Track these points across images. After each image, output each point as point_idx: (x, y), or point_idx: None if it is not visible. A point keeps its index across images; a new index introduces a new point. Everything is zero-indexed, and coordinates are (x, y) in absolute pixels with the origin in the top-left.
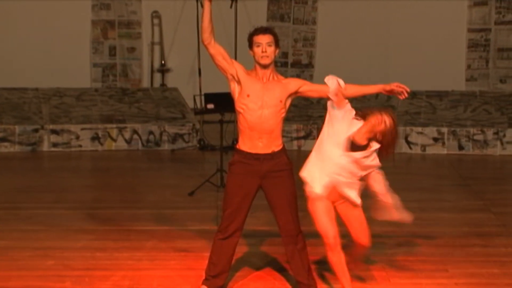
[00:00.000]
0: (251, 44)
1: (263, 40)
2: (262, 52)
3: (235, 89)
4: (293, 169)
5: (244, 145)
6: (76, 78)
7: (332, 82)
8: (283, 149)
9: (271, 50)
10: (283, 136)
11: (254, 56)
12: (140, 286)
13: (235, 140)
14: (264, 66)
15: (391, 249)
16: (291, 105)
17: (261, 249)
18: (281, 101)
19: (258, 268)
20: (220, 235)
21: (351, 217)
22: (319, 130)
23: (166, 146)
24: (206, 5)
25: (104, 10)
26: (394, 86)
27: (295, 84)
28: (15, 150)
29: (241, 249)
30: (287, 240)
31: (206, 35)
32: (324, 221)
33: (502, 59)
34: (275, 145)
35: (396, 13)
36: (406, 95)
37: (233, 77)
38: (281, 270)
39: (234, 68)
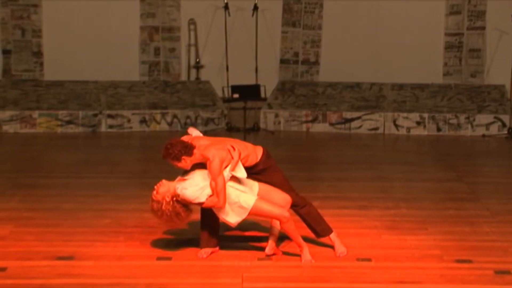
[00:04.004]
0: None
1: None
2: None
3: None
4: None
5: None
6: (128, 73)
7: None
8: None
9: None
10: (294, 120)
11: None
12: (179, 237)
13: (256, 124)
14: None
15: (381, 211)
16: (301, 95)
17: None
18: None
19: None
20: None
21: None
22: (324, 115)
23: (200, 128)
24: None
25: (150, 18)
26: None
27: None
28: (79, 131)
29: None
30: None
31: None
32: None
33: (473, 58)
34: None
35: (387, 21)
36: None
37: None
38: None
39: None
